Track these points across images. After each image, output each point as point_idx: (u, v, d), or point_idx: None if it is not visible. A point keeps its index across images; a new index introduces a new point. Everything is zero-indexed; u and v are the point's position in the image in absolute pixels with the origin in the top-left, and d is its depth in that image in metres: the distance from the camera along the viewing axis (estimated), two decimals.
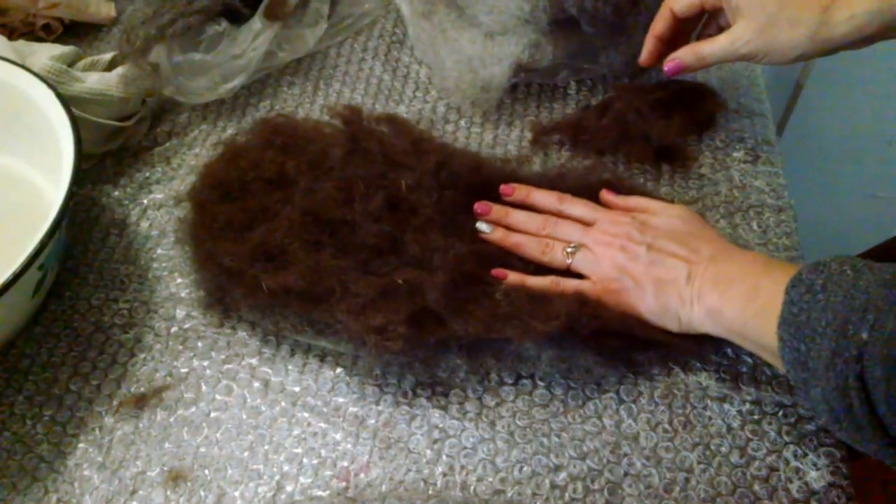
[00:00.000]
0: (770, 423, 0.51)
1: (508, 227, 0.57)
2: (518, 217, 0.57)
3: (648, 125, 0.64)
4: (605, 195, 0.59)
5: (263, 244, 0.54)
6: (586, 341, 0.51)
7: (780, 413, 0.51)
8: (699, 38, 0.63)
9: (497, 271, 0.54)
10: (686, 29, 0.63)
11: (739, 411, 0.51)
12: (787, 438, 0.50)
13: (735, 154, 0.66)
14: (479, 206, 0.58)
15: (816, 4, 0.52)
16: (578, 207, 0.57)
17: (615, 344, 0.51)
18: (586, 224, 0.56)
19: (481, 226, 0.57)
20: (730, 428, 0.51)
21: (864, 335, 0.37)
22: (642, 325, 0.51)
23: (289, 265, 0.53)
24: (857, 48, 0.54)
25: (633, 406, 0.52)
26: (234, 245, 0.54)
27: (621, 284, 0.52)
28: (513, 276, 0.54)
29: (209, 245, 0.55)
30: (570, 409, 0.52)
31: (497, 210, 0.58)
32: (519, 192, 0.59)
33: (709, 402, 0.52)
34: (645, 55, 0.63)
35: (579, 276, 0.54)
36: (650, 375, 0.53)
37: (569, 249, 0.54)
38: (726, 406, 0.51)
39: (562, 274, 0.55)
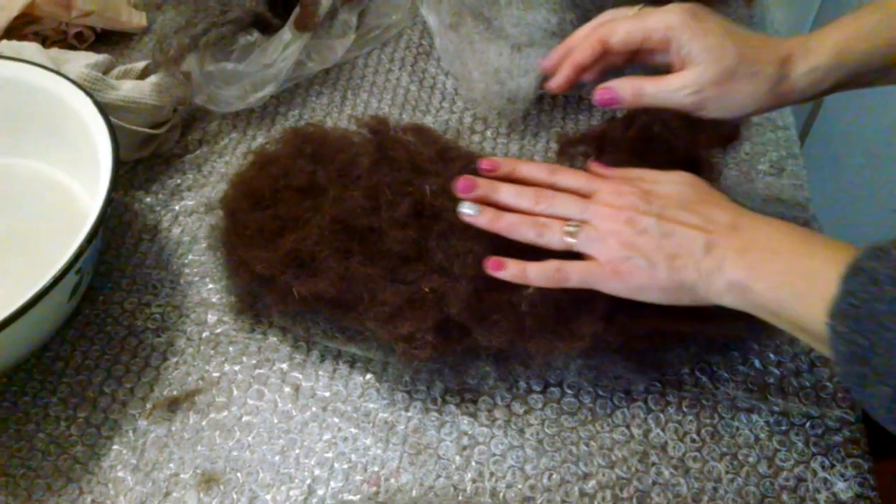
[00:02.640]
0: (797, 434, 0.51)
1: (497, 206, 0.51)
2: (507, 192, 0.51)
3: (674, 137, 0.65)
4: (595, 166, 0.54)
5: (294, 251, 0.55)
6: (614, 349, 0.51)
7: (808, 424, 0.51)
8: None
9: (492, 262, 0.49)
10: (610, 63, 0.56)
11: (767, 422, 0.52)
12: (814, 449, 0.50)
13: (760, 167, 0.67)
14: (460, 183, 0.51)
15: (775, 57, 0.49)
16: (573, 178, 0.52)
17: (643, 347, 0.51)
18: (584, 197, 0.50)
19: (464, 208, 0.50)
20: (757, 438, 0.51)
21: None
22: (668, 321, 0.51)
23: (319, 272, 0.54)
24: (813, 100, 0.53)
25: (661, 415, 0.52)
26: (266, 252, 0.55)
27: (631, 265, 0.46)
28: (511, 266, 0.48)
29: (241, 252, 0.56)
30: (598, 417, 0.52)
31: (483, 185, 0.51)
32: (504, 165, 0.53)
33: (736, 412, 0.52)
34: (559, 81, 0.55)
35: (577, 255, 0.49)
36: (678, 385, 0.53)
37: (568, 228, 0.48)
38: (754, 417, 0.52)
39: (564, 256, 0.49)
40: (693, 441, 0.51)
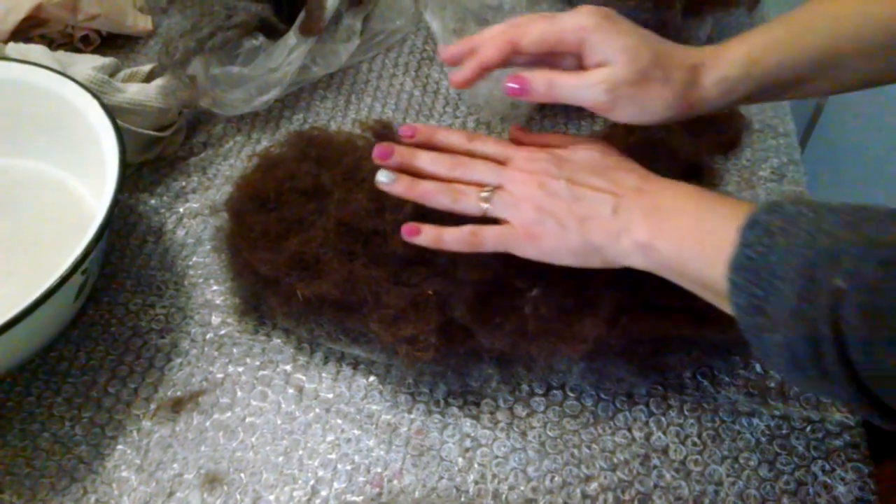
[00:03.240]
0: (798, 438, 0.51)
1: (414, 174, 0.51)
2: (424, 159, 0.51)
3: (677, 143, 0.65)
4: (516, 131, 0.54)
5: (299, 253, 0.55)
6: (617, 353, 0.51)
7: (808, 428, 0.52)
8: None
9: (406, 228, 0.49)
10: (518, 66, 0.54)
11: (768, 426, 0.52)
12: (814, 453, 0.51)
13: (761, 173, 0.67)
14: (377, 150, 0.51)
15: (687, 64, 0.49)
16: (490, 145, 0.53)
17: (645, 351, 0.51)
18: (500, 164, 0.51)
19: (380, 177, 0.51)
20: (758, 442, 0.51)
21: (839, 282, 0.35)
22: (670, 325, 0.51)
23: (323, 274, 0.54)
24: (727, 108, 0.52)
25: (663, 419, 0.53)
26: (271, 254, 0.55)
27: (543, 228, 0.48)
28: (427, 231, 0.49)
29: (246, 254, 0.56)
30: (600, 420, 0.53)
31: (400, 152, 0.51)
32: (422, 132, 0.53)
33: (737, 416, 0.52)
34: (462, 77, 0.52)
35: (496, 221, 0.50)
36: (680, 389, 0.54)
37: (483, 194, 0.49)
38: (755, 420, 0.52)
39: (479, 221, 0.50)
40: (694, 444, 0.51)
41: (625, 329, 0.51)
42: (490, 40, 0.51)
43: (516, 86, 0.50)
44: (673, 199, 0.46)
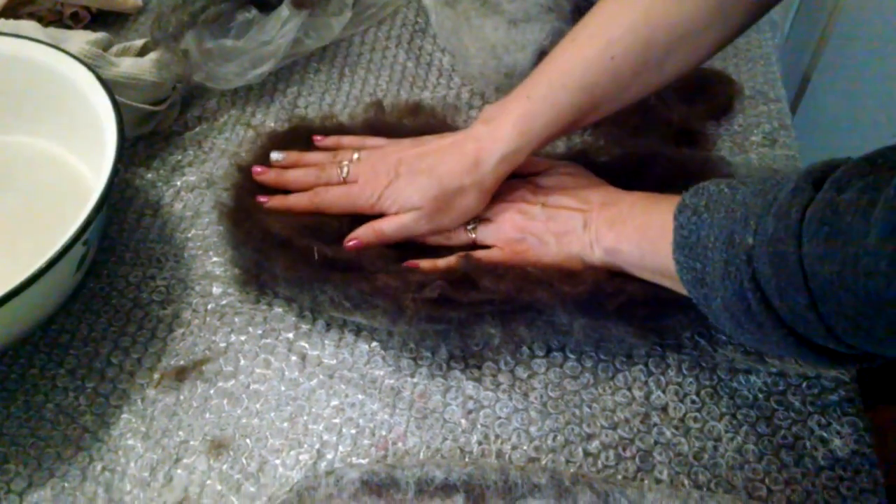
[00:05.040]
0: (794, 394, 0.52)
1: None
2: None
3: (670, 110, 0.66)
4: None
5: (318, 223, 0.56)
6: (617, 313, 0.52)
7: (804, 385, 0.53)
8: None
9: (409, 263, 0.55)
10: None
11: (765, 383, 0.53)
12: (811, 409, 0.52)
13: (753, 138, 0.68)
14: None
15: (467, 166, 0.54)
16: None
17: (644, 313, 0.52)
18: None
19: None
20: (756, 398, 0.52)
21: (749, 240, 0.40)
22: (665, 289, 0.52)
23: (338, 238, 0.55)
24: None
25: (662, 378, 0.53)
26: (285, 217, 0.56)
27: (526, 245, 0.55)
28: (424, 264, 0.55)
29: (260, 214, 0.57)
30: (600, 380, 0.53)
31: None
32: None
33: (735, 374, 0.53)
34: (272, 205, 0.59)
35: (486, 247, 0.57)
36: (678, 348, 0.54)
37: (470, 226, 0.57)
38: (752, 378, 0.53)
39: (469, 249, 0.56)
40: (693, 402, 0.52)
41: (620, 285, 0.52)
42: (299, 204, 0.58)
43: (354, 245, 0.56)
44: (630, 207, 0.52)
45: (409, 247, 0.57)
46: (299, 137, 0.63)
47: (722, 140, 0.68)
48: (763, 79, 0.73)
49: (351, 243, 0.56)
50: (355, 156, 0.59)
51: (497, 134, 0.54)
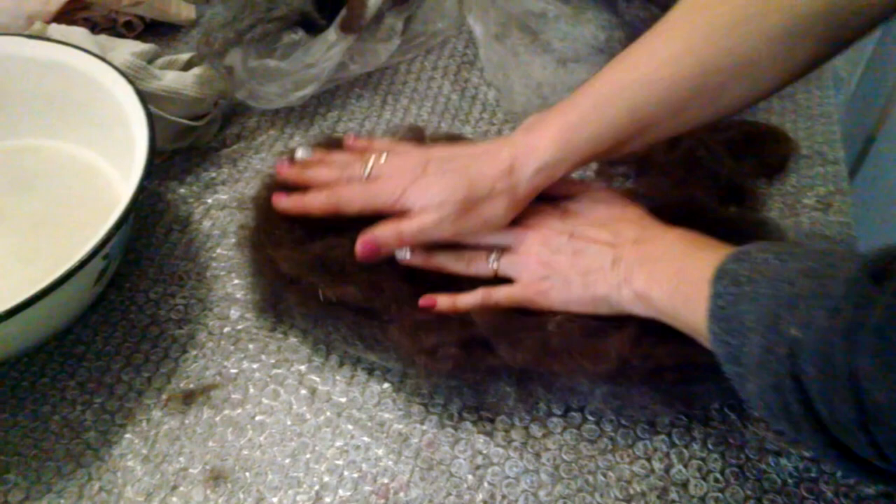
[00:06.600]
0: (827, 484, 0.49)
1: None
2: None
3: (718, 164, 0.63)
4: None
5: (323, 256, 0.54)
6: (642, 379, 0.49)
7: (839, 473, 0.49)
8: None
9: (425, 300, 0.52)
10: None
11: (796, 467, 0.49)
12: (844, 501, 0.48)
13: (806, 201, 0.65)
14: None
15: (501, 172, 0.51)
16: None
17: (671, 378, 0.49)
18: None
19: (399, 253, 0.54)
20: (785, 484, 0.49)
21: (794, 331, 0.35)
22: (698, 352, 0.49)
23: (347, 278, 0.53)
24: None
25: (685, 451, 0.50)
26: (294, 252, 0.55)
27: (549, 283, 0.51)
28: (442, 301, 0.52)
29: (269, 250, 0.55)
30: (618, 447, 0.51)
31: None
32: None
33: (764, 454, 0.50)
34: (286, 206, 0.57)
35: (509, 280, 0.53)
36: (705, 420, 0.51)
37: (492, 258, 0.53)
38: (782, 461, 0.50)
39: (491, 282, 0.53)
40: (716, 481, 0.49)
41: (649, 351, 0.49)
42: (315, 201, 0.55)
43: (368, 248, 0.52)
44: (664, 248, 0.48)
45: (426, 281, 0.54)
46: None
47: (772, 200, 0.65)
48: (822, 138, 0.70)
49: (366, 246, 0.52)
50: (383, 156, 0.55)
51: (536, 143, 0.51)
